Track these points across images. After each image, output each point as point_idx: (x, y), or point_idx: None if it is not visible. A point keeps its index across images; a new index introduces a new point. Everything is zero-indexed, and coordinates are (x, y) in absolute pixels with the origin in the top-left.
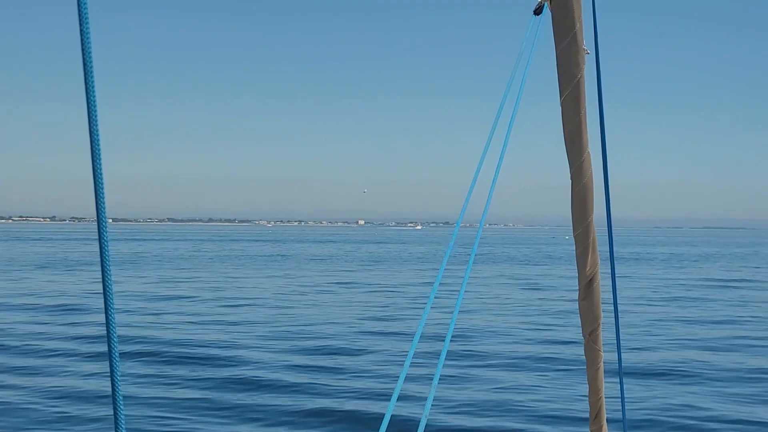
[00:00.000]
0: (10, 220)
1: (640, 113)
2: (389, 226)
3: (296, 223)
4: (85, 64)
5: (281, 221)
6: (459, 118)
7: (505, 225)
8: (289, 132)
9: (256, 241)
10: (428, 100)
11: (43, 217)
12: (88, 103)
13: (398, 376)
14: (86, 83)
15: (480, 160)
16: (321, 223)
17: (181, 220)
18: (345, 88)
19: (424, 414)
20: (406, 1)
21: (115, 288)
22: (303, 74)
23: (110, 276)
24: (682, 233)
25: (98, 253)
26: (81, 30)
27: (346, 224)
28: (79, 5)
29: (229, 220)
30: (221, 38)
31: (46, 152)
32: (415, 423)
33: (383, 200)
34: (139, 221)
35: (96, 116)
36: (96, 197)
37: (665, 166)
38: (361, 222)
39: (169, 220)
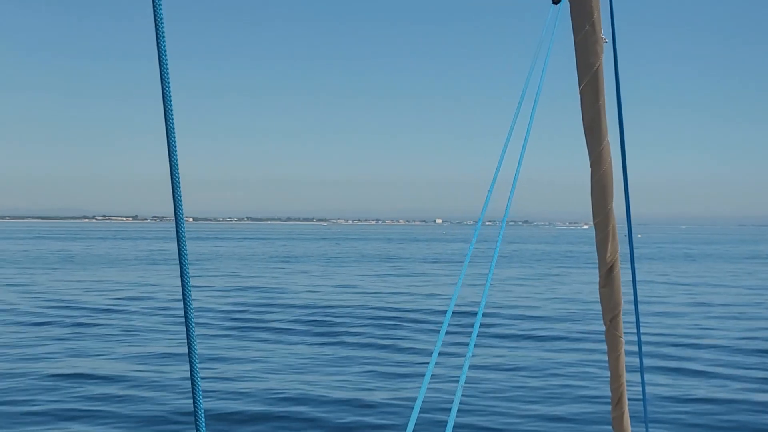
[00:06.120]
0: (94, 219)
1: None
2: (468, 224)
3: (373, 222)
4: (161, 67)
5: (359, 220)
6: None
7: (586, 224)
8: (370, 132)
9: (316, 240)
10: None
11: (125, 216)
12: (164, 105)
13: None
14: (162, 86)
15: (501, 154)
16: (398, 221)
17: (260, 219)
18: (422, 89)
19: (456, 398)
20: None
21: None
22: (381, 74)
23: (188, 271)
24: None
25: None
26: (156, 33)
27: (423, 223)
28: (154, 7)
29: (307, 219)
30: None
31: (129, 154)
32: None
33: (463, 199)
34: (219, 220)
35: (172, 118)
36: (174, 197)
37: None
38: (439, 221)
39: (249, 219)
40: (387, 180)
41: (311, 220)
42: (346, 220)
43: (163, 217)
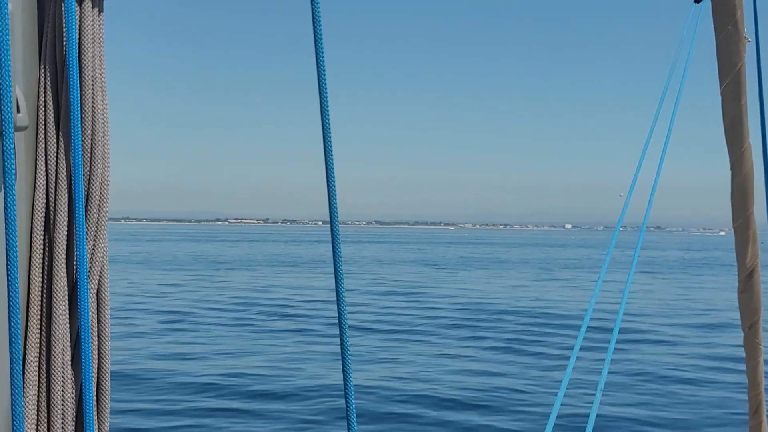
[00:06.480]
0: (227, 222)
1: None
2: (598, 229)
3: (501, 227)
4: (318, 73)
5: (486, 224)
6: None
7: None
8: (499, 135)
9: (446, 244)
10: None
11: (256, 220)
12: (321, 112)
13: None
14: (320, 94)
15: (641, 155)
16: (527, 226)
17: (388, 223)
18: (551, 91)
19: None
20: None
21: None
22: (510, 76)
23: (341, 274)
24: None
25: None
26: (315, 39)
27: (552, 228)
28: (313, 12)
29: (434, 223)
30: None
31: (260, 160)
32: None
33: (592, 204)
34: (348, 224)
35: (329, 124)
36: (329, 202)
37: None
38: (568, 226)
39: (377, 222)
40: (515, 184)
41: (438, 224)
42: (474, 225)
43: (293, 221)
